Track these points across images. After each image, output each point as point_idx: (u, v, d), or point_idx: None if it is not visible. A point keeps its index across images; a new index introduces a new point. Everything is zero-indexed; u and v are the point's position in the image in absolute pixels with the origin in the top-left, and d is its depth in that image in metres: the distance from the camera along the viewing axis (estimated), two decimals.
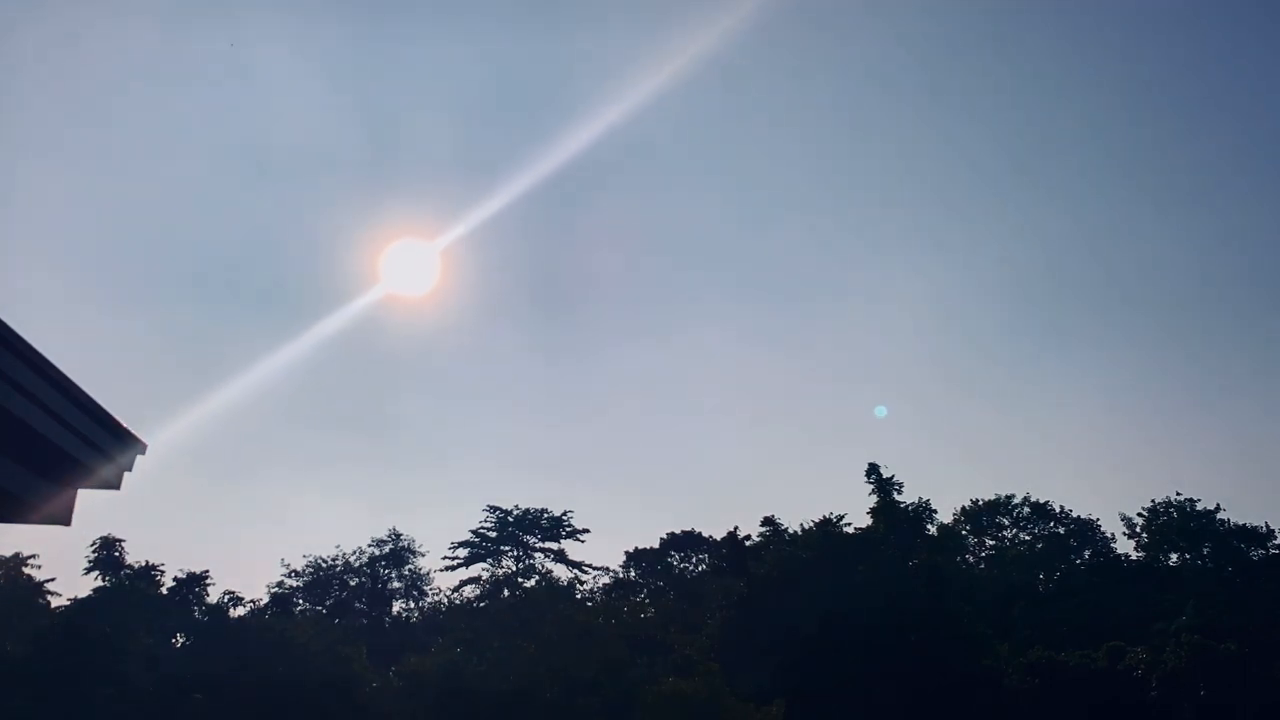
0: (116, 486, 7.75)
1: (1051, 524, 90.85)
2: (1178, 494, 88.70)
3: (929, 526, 71.42)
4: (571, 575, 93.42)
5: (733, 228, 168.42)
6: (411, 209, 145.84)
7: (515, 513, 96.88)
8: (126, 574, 70.88)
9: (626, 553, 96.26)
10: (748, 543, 76.33)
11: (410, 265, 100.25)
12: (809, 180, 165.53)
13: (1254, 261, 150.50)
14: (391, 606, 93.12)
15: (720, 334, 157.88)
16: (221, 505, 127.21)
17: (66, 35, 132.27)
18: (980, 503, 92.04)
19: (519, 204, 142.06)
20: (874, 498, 62.71)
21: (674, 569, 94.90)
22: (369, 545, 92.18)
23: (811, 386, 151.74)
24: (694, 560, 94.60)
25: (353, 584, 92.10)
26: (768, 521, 73.94)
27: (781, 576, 58.70)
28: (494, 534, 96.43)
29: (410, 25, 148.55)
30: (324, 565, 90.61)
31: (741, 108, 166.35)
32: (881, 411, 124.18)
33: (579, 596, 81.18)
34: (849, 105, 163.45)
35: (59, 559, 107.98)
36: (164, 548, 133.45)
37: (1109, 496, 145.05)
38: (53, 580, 72.64)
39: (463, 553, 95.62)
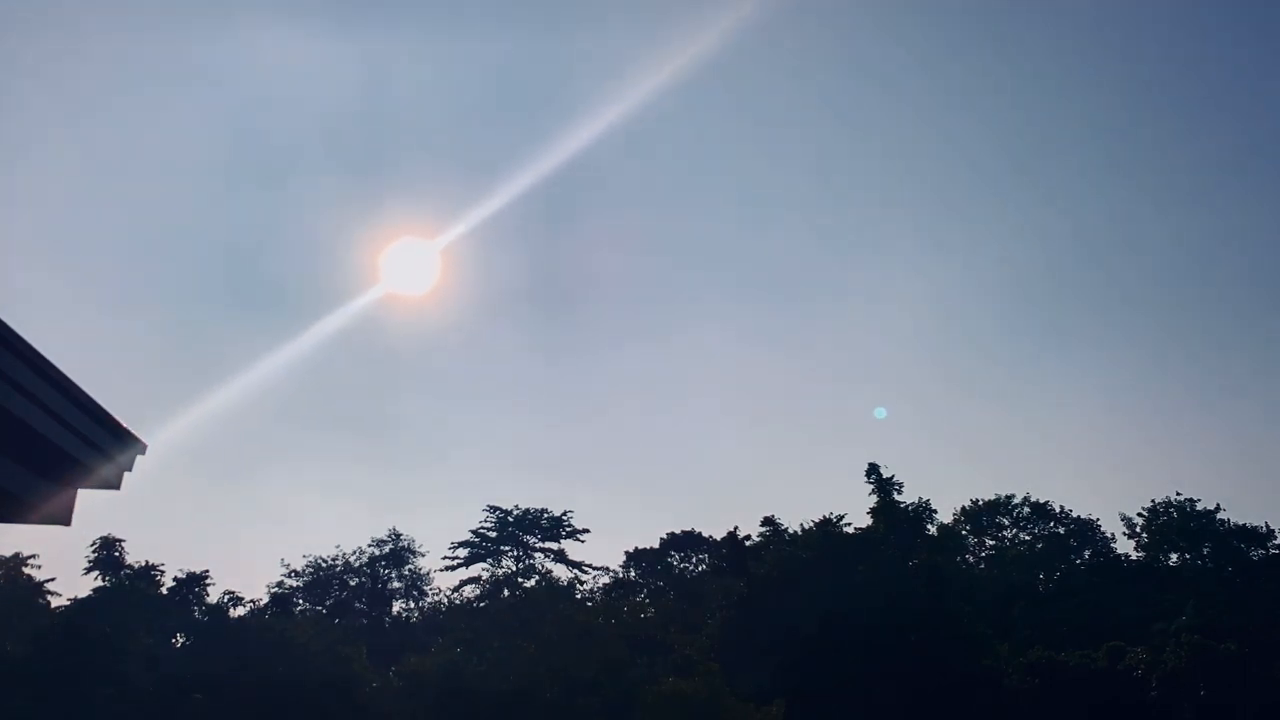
0: (116, 486, 7.75)
1: (1051, 524, 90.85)
2: (1178, 494, 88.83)
3: (929, 526, 71.46)
4: (571, 575, 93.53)
5: (732, 227, 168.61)
6: (412, 208, 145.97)
7: (515, 513, 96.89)
8: (126, 574, 70.88)
9: (626, 553, 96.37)
10: (748, 543, 76.32)
11: (410, 264, 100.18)
12: (809, 180, 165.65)
13: (1254, 261, 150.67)
14: (391, 606, 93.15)
15: (720, 334, 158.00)
16: (221, 505, 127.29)
17: (67, 35, 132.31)
18: (980, 503, 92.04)
19: (519, 203, 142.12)
20: (874, 498, 62.73)
21: (674, 569, 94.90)
22: (369, 545, 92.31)
23: (811, 386, 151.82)
24: (694, 560, 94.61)
25: (353, 584, 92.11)
26: (768, 521, 73.98)
27: (781, 576, 58.70)
28: (494, 534, 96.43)
29: (410, 24, 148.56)
30: (324, 565, 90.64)
31: (741, 107, 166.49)
32: (881, 413, 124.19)
33: (579, 596, 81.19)
34: (849, 105, 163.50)
35: (59, 559, 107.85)
36: (164, 548, 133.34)
37: (1109, 496, 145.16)
38: (53, 580, 72.75)
39: (463, 553, 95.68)
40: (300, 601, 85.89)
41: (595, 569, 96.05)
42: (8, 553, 71.06)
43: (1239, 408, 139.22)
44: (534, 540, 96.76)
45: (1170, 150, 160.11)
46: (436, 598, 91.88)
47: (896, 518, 62.54)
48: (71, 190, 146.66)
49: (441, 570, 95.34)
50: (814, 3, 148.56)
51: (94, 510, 74.78)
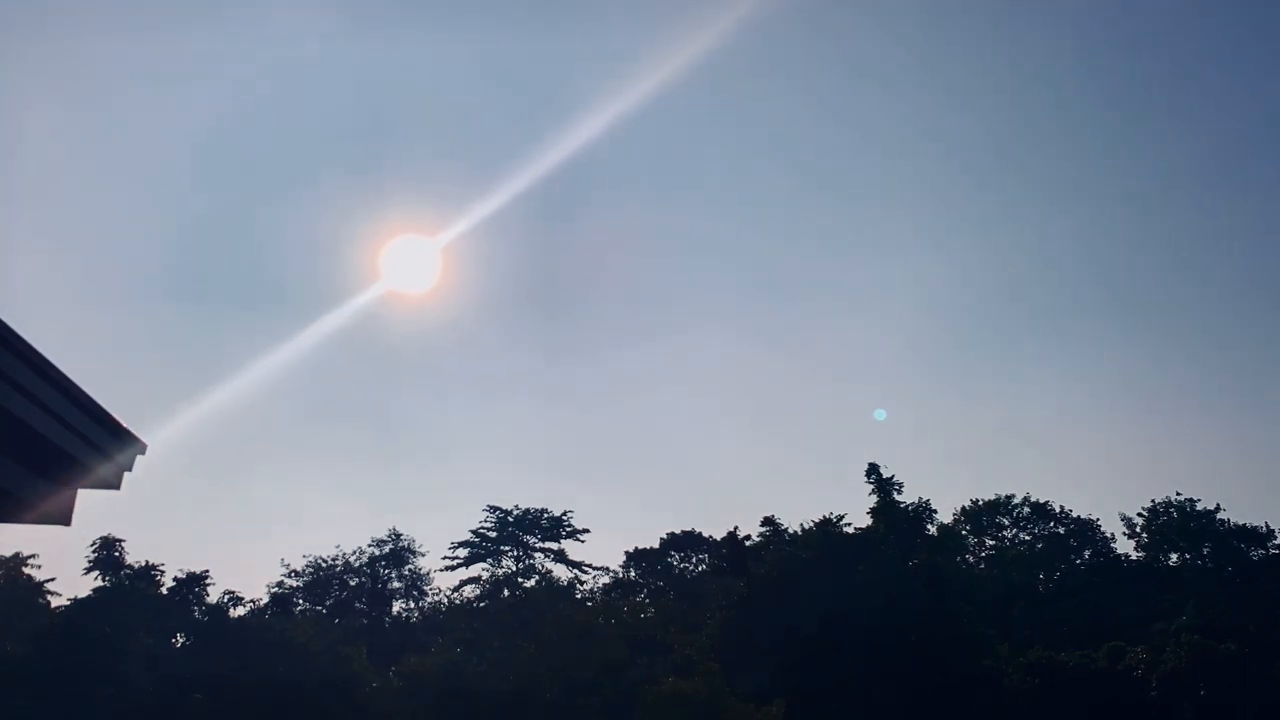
0: (116, 486, 7.75)
1: (1051, 524, 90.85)
2: (1178, 494, 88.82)
3: (929, 526, 71.45)
4: (571, 575, 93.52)
5: (733, 226, 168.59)
6: (412, 205, 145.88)
7: (515, 513, 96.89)
8: (126, 574, 70.84)
9: (626, 553, 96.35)
10: (748, 543, 76.30)
11: (411, 262, 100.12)
12: (809, 180, 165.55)
13: (1254, 261, 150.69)
14: (391, 606, 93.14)
15: (720, 333, 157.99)
16: (221, 505, 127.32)
17: (66, 33, 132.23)
18: (980, 503, 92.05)
19: (520, 201, 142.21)
20: (874, 498, 62.72)
21: (674, 569, 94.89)
22: (369, 545, 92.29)
23: (811, 386, 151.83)
24: (694, 560, 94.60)
25: (353, 584, 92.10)
26: (768, 521, 73.96)
27: (781, 576, 58.69)
28: (494, 534, 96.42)
29: (411, 23, 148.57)
30: (324, 565, 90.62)
31: (741, 107, 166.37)
32: (881, 415, 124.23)
33: (579, 596, 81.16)
34: (849, 105, 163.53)
35: (59, 559, 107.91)
36: (164, 548, 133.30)
37: (1109, 496, 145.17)
38: (53, 580, 72.72)
39: (463, 553, 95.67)
40: (300, 601, 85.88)
41: (595, 569, 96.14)
42: (8, 553, 71.11)
43: (1239, 408, 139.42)
44: (534, 540, 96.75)
45: (1170, 149, 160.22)
46: (436, 598, 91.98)
47: (896, 518, 62.53)
48: (71, 189, 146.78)
49: (441, 570, 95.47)
50: (812, 2, 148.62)
51: (94, 510, 74.82)
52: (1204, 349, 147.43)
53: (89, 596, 66.59)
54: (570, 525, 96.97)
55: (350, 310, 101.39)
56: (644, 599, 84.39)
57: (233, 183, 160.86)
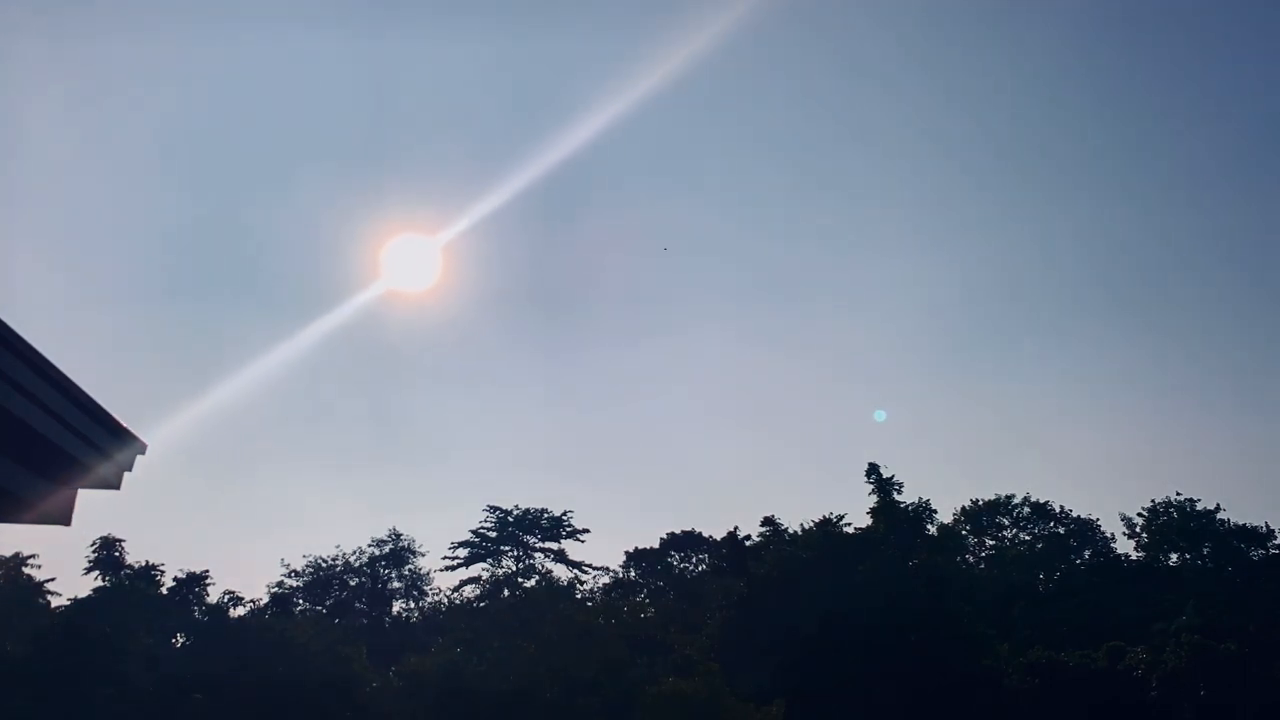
0: (116, 486, 7.75)
1: (1051, 524, 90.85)
2: (1178, 494, 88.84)
3: (929, 526, 71.37)
4: (571, 575, 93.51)
5: (733, 226, 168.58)
6: (413, 204, 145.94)
7: (515, 513, 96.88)
8: (126, 574, 70.85)
9: (626, 553, 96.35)
10: (748, 543, 76.36)
11: (411, 261, 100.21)
12: (809, 180, 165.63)
13: (1254, 261, 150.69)
14: (391, 606, 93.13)
15: (720, 333, 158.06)
16: (221, 505, 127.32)
17: (66, 33, 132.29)
18: (980, 503, 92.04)
19: (520, 200, 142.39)
20: (874, 498, 62.69)
21: (674, 569, 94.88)
22: (369, 545, 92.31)
23: (811, 386, 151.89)
24: (694, 560, 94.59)
25: (353, 584, 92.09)
26: (768, 521, 73.94)
27: (781, 576, 58.68)
28: (494, 534, 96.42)
29: (411, 23, 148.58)
30: (324, 565, 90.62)
31: (741, 106, 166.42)
32: (881, 416, 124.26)
33: (579, 596, 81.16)
34: (849, 105, 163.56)
35: (59, 559, 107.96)
36: (164, 548, 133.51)
37: (1109, 496, 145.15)
38: (53, 580, 72.73)
39: (463, 553, 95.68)
40: (300, 601, 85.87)
41: (595, 569, 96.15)
42: (8, 553, 71.13)
43: (1239, 408, 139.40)
44: (534, 540, 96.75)
45: (1170, 149, 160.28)
46: (436, 598, 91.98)
47: (896, 518, 62.50)
48: (71, 189, 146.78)
49: (441, 570, 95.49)
50: (812, 2, 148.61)
51: (94, 510, 74.87)
52: (1204, 349, 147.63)
53: (89, 596, 66.61)
54: (570, 525, 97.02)
55: (350, 309, 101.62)
56: (644, 599, 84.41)
57: (233, 182, 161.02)
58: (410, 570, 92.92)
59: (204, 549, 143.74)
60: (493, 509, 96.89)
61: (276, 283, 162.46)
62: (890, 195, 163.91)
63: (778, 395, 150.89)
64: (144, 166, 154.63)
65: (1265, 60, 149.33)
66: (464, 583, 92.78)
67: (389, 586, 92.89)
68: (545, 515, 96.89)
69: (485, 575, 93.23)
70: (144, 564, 71.69)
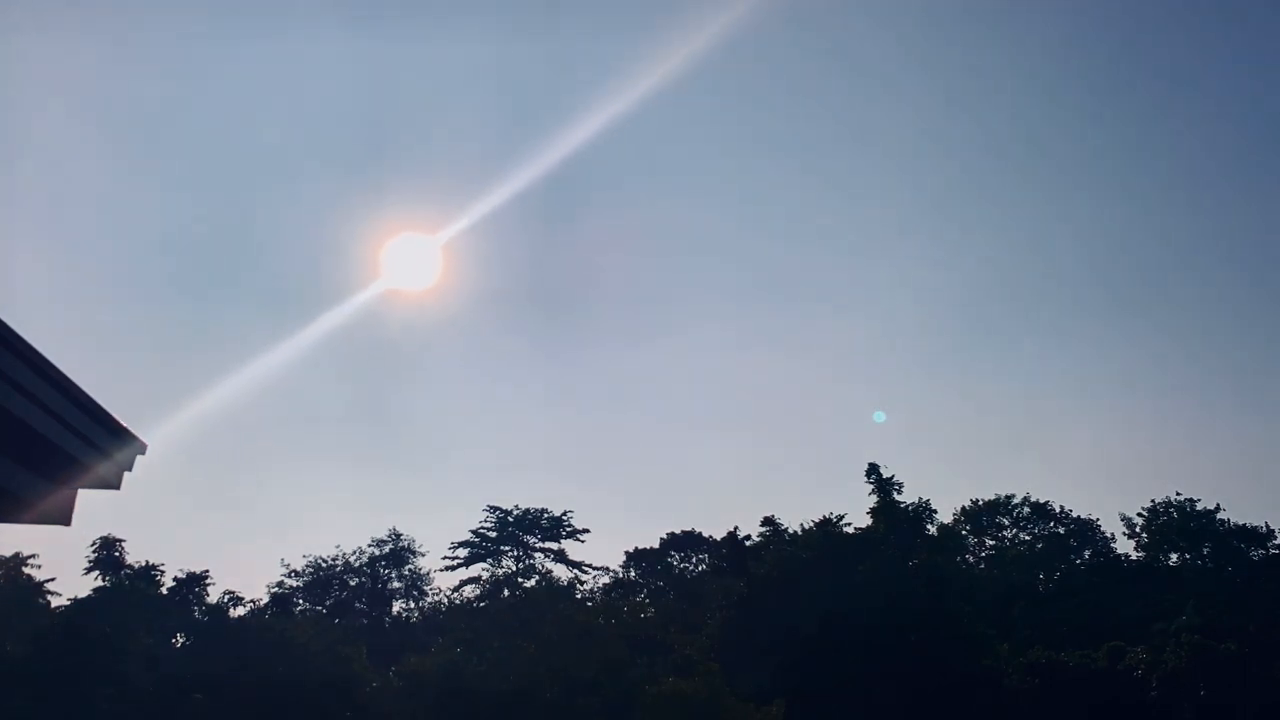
0: (116, 486, 7.75)
1: (1051, 524, 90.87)
2: (1178, 494, 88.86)
3: (929, 526, 71.37)
4: (571, 575, 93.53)
5: (733, 225, 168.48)
6: (413, 203, 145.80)
7: (515, 513, 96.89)
8: (126, 574, 70.85)
9: (626, 553, 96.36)
10: (748, 543, 76.39)
11: (411, 260, 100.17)
12: (809, 180, 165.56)
13: (1254, 261, 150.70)
14: (391, 606, 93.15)
15: (720, 333, 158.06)
16: (221, 505, 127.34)
17: (67, 32, 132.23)
18: (980, 503, 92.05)
19: (520, 200, 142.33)
20: (874, 498, 62.68)
21: (674, 569, 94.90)
22: (369, 545, 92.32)
23: (811, 387, 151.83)
24: (694, 560, 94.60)
25: (353, 584, 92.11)
26: (768, 521, 73.95)
27: (781, 576, 58.68)
28: (494, 534, 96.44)
29: (412, 22, 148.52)
30: (324, 565, 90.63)
31: (740, 106, 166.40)
32: (880, 417, 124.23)
33: (579, 596, 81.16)
34: (849, 105, 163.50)
35: (59, 559, 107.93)
36: (164, 548, 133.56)
37: (1109, 496, 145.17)
38: (53, 580, 72.74)
39: (463, 553, 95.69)
40: (300, 601, 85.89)
41: (595, 569, 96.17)
42: (8, 553, 71.14)
43: (1239, 408, 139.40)
44: (534, 540, 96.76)
45: (1170, 149, 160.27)
46: (436, 598, 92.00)
47: (896, 518, 62.49)
48: (71, 188, 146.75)
49: (441, 570, 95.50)
50: (812, 2, 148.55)
51: (94, 510, 74.87)
52: (1204, 349, 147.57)
53: (89, 596, 66.61)
54: (570, 525, 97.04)
55: (350, 308, 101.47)
56: (644, 599, 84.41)
57: (233, 181, 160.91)
58: (410, 570, 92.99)
59: (204, 549, 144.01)
60: (493, 509, 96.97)
61: (276, 282, 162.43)
62: (890, 195, 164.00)
63: (778, 395, 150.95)
64: (144, 166, 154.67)
65: (1265, 60, 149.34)
66: (464, 583, 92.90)
67: (389, 586, 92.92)
68: (545, 515, 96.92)
69: (485, 575, 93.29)
70: (144, 564, 71.74)
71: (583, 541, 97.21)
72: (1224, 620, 57.89)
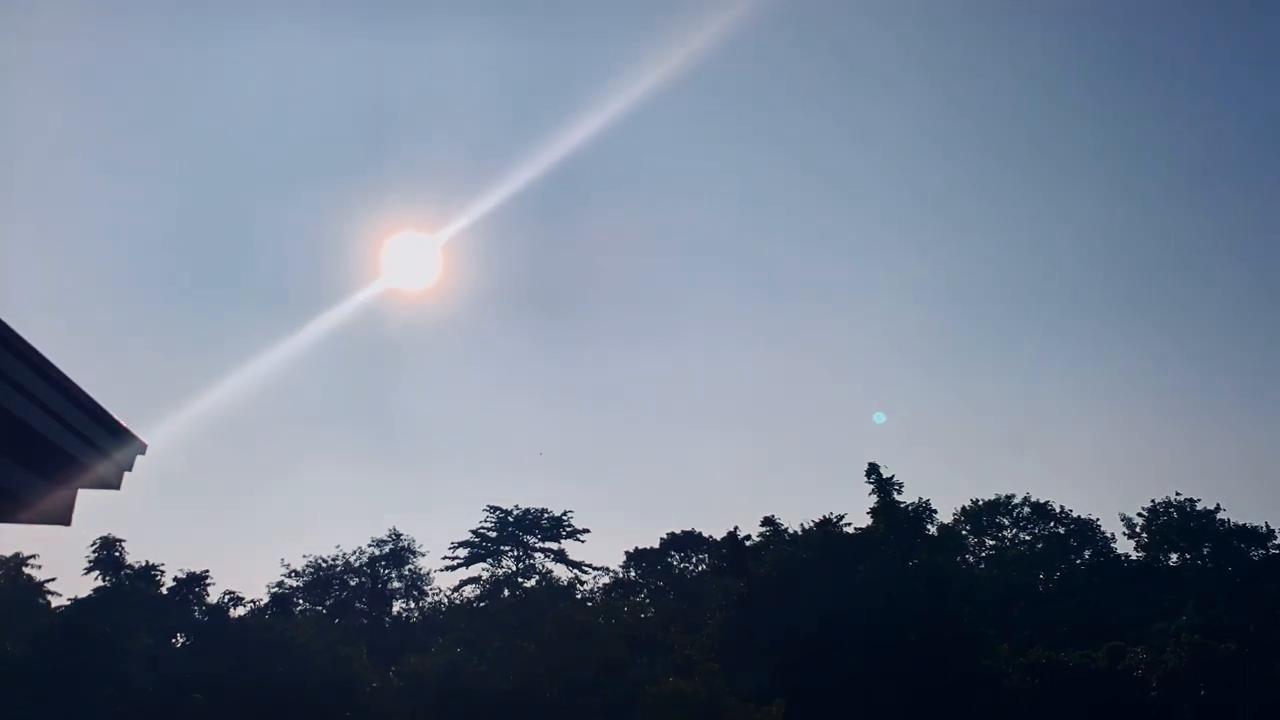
0: (116, 486, 7.75)
1: (1051, 524, 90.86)
2: (1178, 494, 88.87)
3: (929, 526, 71.38)
4: (571, 575, 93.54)
5: (733, 224, 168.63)
6: (413, 202, 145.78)
7: (515, 513, 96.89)
8: (126, 574, 70.85)
9: (626, 553, 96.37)
10: (748, 543, 76.36)
11: (411, 259, 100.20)
12: (809, 179, 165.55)
13: (1254, 261, 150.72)
14: (391, 606, 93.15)
15: (721, 333, 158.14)
16: (221, 505, 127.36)
17: (67, 32, 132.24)
18: (980, 503, 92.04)
19: (520, 199, 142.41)
20: (874, 498, 62.68)
21: (674, 569, 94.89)
22: (369, 545, 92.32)
23: (812, 387, 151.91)
24: (694, 560, 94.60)
25: (353, 584, 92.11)
26: (768, 521, 73.95)
27: (781, 576, 58.67)
28: (494, 534, 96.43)
29: (412, 21, 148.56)
30: (324, 565, 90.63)
31: (741, 105, 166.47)
32: (880, 418, 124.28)
33: (579, 596, 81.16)
34: (849, 105, 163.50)
35: (59, 559, 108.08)
36: (164, 548, 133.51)
37: (1109, 496, 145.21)
38: (53, 580, 72.78)
39: (463, 553, 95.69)
40: (300, 601, 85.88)
41: (595, 569, 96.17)
42: (8, 553, 71.17)
43: (1239, 408, 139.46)
44: (534, 540, 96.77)
45: (1170, 149, 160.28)
46: (436, 598, 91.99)
47: (896, 518, 62.49)
48: (71, 188, 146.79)
49: (441, 570, 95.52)
50: (812, 2, 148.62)
51: (94, 510, 74.84)
52: (1204, 349, 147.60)
53: (89, 596, 66.61)
54: (570, 525, 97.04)
55: (350, 307, 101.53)
56: (644, 599, 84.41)
57: (233, 180, 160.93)
58: (410, 570, 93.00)
59: (204, 549, 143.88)
60: (493, 509, 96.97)
61: (276, 281, 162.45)
62: (890, 195, 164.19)
63: (778, 395, 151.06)
64: (144, 166, 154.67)
65: (1265, 60, 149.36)
66: (464, 583, 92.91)
67: (389, 586, 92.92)
68: (545, 515, 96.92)
69: (485, 575, 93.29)
70: (144, 564, 71.75)
71: (583, 541, 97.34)
72: (1224, 620, 57.89)
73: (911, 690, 50.88)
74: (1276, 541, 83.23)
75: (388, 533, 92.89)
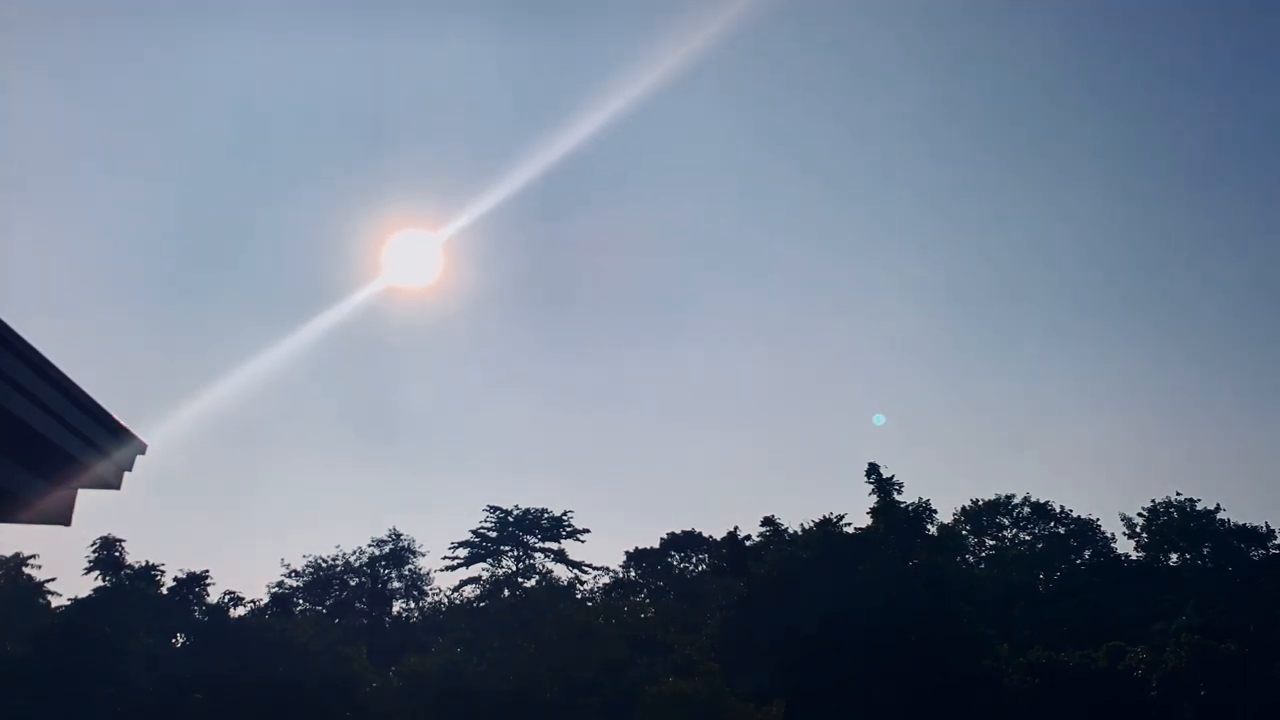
0: (116, 486, 7.74)
1: (1051, 524, 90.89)
2: (1178, 494, 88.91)
3: (929, 526, 71.38)
4: (571, 575, 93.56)
5: (733, 224, 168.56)
6: (414, 200, 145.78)
7: (515, 513, 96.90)
8: (126, 574, 70.86)
9: (626, 553, 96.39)
10: (748, 543, 76.38)
11: (412, 257, 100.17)
12: (809, 179, 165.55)
13: (1254, 261, 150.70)
14: (391, 606, 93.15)
15: (721, 333, 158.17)
16: (221, 505, 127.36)
17: (67, 31, 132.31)
18: (980, 503, 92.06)
19: (520, 198, 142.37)
20: (874, 498, 62.67)
21: (674, 569, 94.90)
22: (369, 545, 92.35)
23: (812, 386, 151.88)
24: (694, 560, 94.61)
25: (353, 584, 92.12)
26: (768, 521, 73.96)
27: (781, 576, 58.67)
28: (494, 534, 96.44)
29: (412, 20, 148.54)
30: (324, 565, 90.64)
31: (741, 105, 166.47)
32: (880, 419, 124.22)
33: (579, 596, 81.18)
34: (850, 105, 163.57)
35: (59, 559, 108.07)
36: (164, 548, 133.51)
37: (1109, 496, 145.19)
38: (53, 580, 72.78)
39: (463, 553, 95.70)
40: (300, 601, 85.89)
41: (595, 569, 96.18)
42: (8, 553, 71.17)
43: (1239, 408, 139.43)
44: (534, 540, 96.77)
45: (1170, 148, 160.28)
46: (436, 598, 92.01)
47: (896, 518, 62.48)
48: (71, 188, 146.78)
49: (441, 570, 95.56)
50: (812, 2, 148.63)
51: (94, 510, 74.87)
52: (1204, 349, 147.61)
53: (89, 596, 66.62)
54: (570, 525, 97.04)
55: (351, 306, 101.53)
56: (644, 599, 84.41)
57: (233, 179, 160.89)
58: (410, 570, 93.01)
59: (204, 549, 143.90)
60: (493, 509, 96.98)
61: (277, 280, 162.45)
62: (890, 195, 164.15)
63: (778, 395, 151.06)
64: (144, 165, 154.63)
65: (1265, 60, 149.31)
66: (464, 583, 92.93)
67: (389, 586, 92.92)
68: (545, 515, 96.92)
69: (485, 575, 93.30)
70: (144, 564, 71.76)
71: (583, 541, 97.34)
72: (1224, 620, 57.89)
73: (911, 690, 50.89)
74: (1276, 541, 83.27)
75: (388, 533, 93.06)
